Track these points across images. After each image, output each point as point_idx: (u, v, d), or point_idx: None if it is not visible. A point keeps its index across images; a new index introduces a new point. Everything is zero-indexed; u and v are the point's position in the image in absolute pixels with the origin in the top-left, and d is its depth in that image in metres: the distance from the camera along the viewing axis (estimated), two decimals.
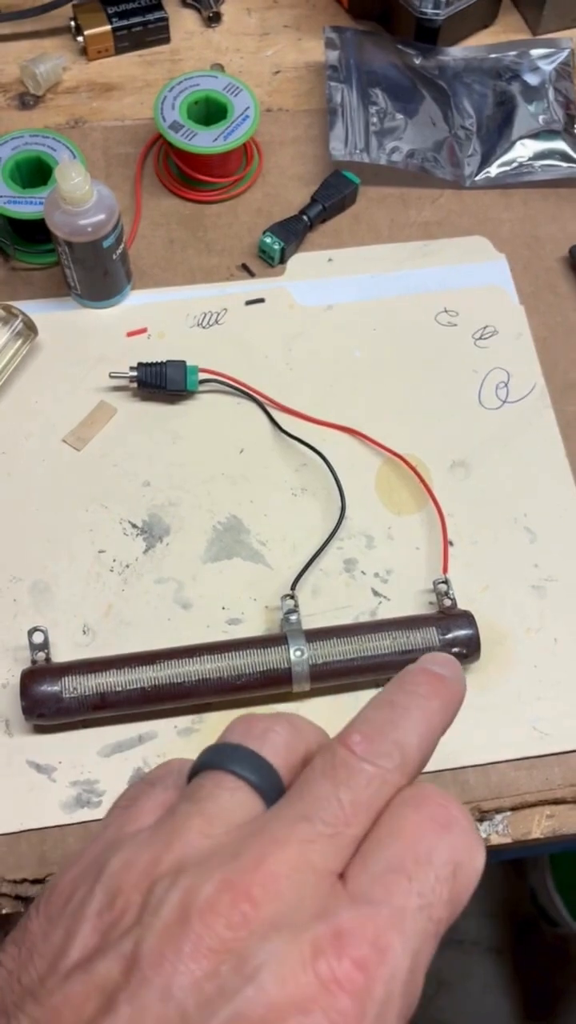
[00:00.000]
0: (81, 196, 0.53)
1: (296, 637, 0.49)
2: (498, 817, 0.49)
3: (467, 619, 0.50)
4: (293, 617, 0.51)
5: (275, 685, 0.49)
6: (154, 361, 0.57)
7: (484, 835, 0.49)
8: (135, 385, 0.57)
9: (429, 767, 0.50)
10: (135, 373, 0.57)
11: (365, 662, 0.49)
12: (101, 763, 0.49)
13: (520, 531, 0.55)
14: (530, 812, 0.49)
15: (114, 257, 0.57)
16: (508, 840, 0.49)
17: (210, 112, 0.64)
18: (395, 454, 0.57)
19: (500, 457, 0.57)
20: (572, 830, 0.49)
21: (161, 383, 0.57)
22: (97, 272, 0.58)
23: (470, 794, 0.49)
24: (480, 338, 0.61)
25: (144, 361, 0.57)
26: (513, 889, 1.21)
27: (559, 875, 1.11)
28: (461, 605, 0.52)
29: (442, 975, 1.24)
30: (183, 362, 0.58)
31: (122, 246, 0.58)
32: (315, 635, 0.49)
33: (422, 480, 0.56)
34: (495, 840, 0.49)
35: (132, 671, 0.48)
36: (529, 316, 0.62)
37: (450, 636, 0.50)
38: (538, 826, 0.49)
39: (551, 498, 0.56)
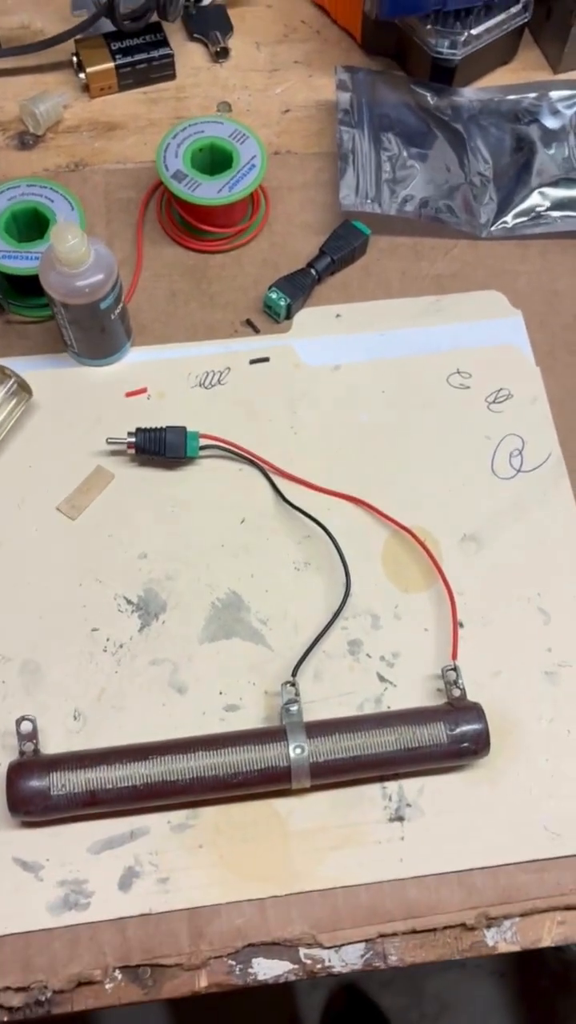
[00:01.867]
0: (78, 258, 0.50)
1: (296, 732, 0.47)
2: (506, 923, 0.47)
3: (476, 713, 0.48)
4: (293, 708, 0.48)
5: (274, 782, 0.47)
6: (153, 427, 0.55)
7: (491, 943, 0.46)
8: (133, 451, 0.55)
9: (435, 870, 0.48)
10: (133, 439, 0.55)
11: (369, 759, 0.47)
12: (90, 861, 0.46)
13: (533, 612, 0.53)
14: (540, 918, 0.47)
15: (112, 317, 0.55)
16: (516, 948, 0.47)
17: (215, 160, 0.61)
18: (402, 527, 0.54)
19: (513, 531, 0.55)
20: None
21: (160, 450, 0.55)
22: (94, 331, 0.55)
23: (477, 898, 0.47)
24: (494, 402, 0.59)
25: (143, 426, 0.55)
26: None
27: None
28: (470, 691, 0.50)
29: (445, 997, 1.22)
30: (183, 428, 0.55)
31: (120, 305, 0.55)
32: (316, 729, 0.47)
33: (431, 555, 0.53)
34: (503, 948, 0.46)
35: (124, 767, 0.46)
36: (545, 377, 0.60)
37: (458, 732, 0.47)
38: (549, 933, 0.47)
39: (567, 576, 0.54)
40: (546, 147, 0.66)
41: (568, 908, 0.47)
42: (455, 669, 0.50)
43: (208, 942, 0.45)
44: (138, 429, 0.55)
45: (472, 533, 0.55)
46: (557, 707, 0.51)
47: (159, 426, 0.55)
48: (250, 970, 0.45)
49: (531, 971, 1.22)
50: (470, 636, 0.52)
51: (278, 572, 0.54)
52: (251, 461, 0.56)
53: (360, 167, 0.64)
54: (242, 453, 0.56)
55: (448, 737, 0.47)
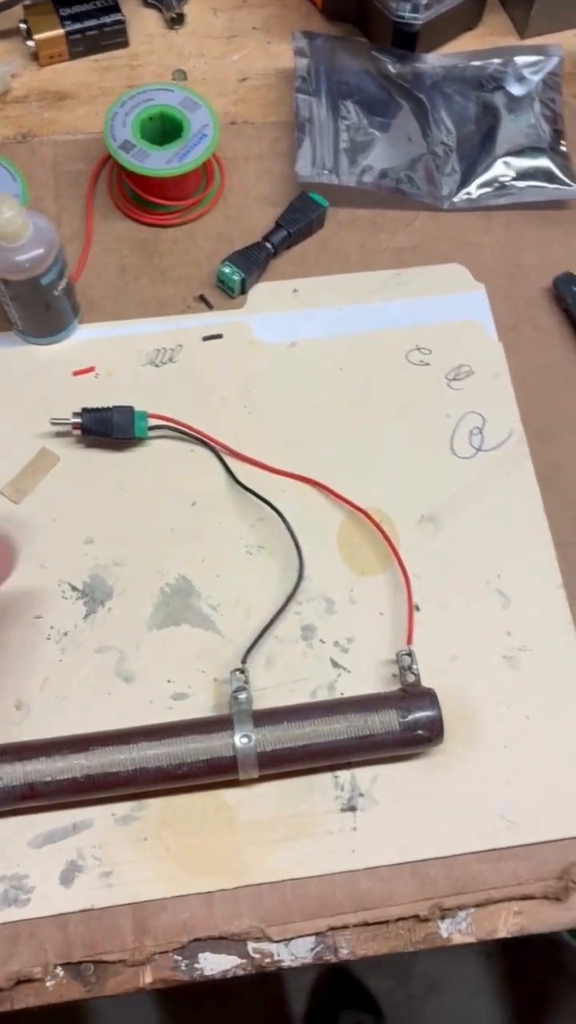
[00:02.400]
0: (14, 231, 0.48)
1: (243, 721, 0.45)
2: (461, 914, 0.46)
3: (430, 699, 0.46)
4: (242, 696, 0.47)
5: (220, 773, 0.45)
6: (99, 406, 0.53)
7: (446, 934, 0.45)
8: (79, 432, 0.53)
9: (388, 861, 0.46)
10: (78, 420, 0.53)
11: (318, 748, 0.45)
12: (31, 855, 0.45)
13: (492, 594, 0.51)
14: (496, 909, 0.46)
15: (56, 292, 0.53)
16: (471, 939, 0.45)
17: (166, 129, 0.59)
18: (358, 508, 0.53)
19: (472, 512, 0.53)
20: (542, 928, 0.46)
21: (107, 430, 0.53)
22: (38, 308, 0.53)
23: (431, 889, 0.45)
24: (454, 379, 0.57)
25: (89, 407, 0.53)
26: None
27: None
28: (427, 677, 0.48)
29: (433, 978, 1.22)
30: (130, 407, 0.53)
31: (64, 280, 0.53)
32: (264, 717, 0.46)
33: (386, 538, 0.52)
34: (457, 940, 0.45)
35: (64, 759, 0.44)
36: (508, 353, 0.58)
37: (411, 719, 0.46)
38: (505, 924, 0.46)
39: (527, 558, 0.52)
40: (511, 115, 0.64)
41: (525, 898, 0.46)
42: (410, 654, 0.48)
43: (153, 937, 0.44)
44: (84, 409, 0.53)
45: (430, 514, 0.53)
46: (516, 692, 0.49)
47: (106, 406, 0.53)
48: (196, 965, 0.44)
49: (519, 952, 1.22)
50: (426, 620, 0.51)
51: (230, 556, 0.52)
52: (202, 441, 0.54)
53: (317, 136, 0.61)
54: (193, 433, 0.54)
55: (400, 724, 0.46)
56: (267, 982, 1.17)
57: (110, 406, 0.53)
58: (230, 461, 0.54)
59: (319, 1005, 1.18)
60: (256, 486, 0.53)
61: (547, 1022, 1.21)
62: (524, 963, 1.22)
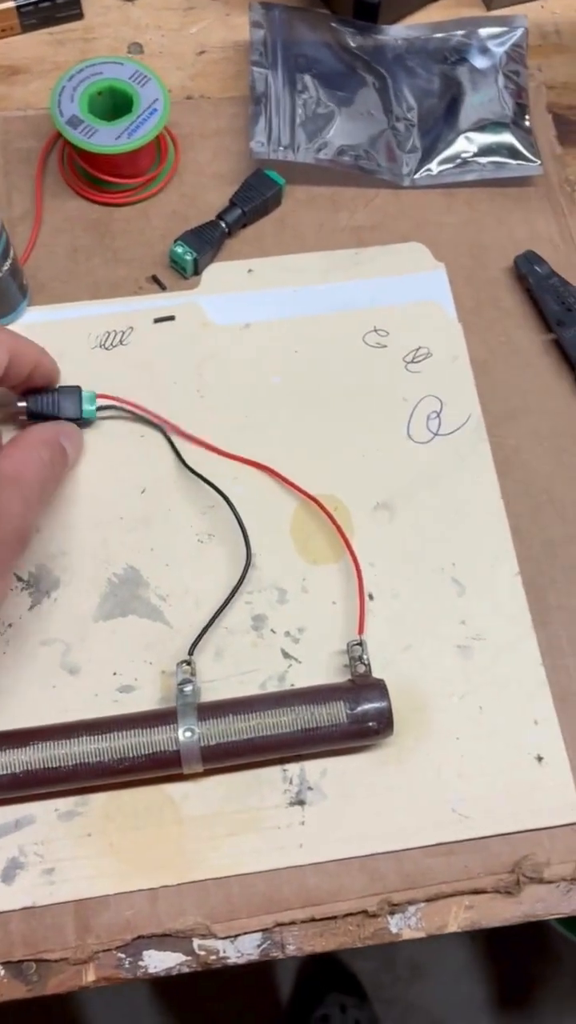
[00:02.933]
0: None
1: (187, 714, 0.44)
2: (411, 909, 0.45)
3: (379, 690, 0.45)
4: (187, 688, 0.45)
5: (164, 767, 0.44)
6: (45, 388, 0.52)
7: (395, 930, 0.44)
8: (24, 417, 0.51)
9: (336, 855, 0.45)
10: (24, 403, 0.51)
11: (264, 741, 0.44)
12: None
13: (447, 583, 0.50)
14: (446, 903, 0.45)
15: (0, 274, 0.51)
16: (422, 934, 0.45)
17: (116, 104, 0.57)
18: (309, 496, 0.51)
19: (428, 498, 0.52)
20: (494, 922, 0.45)
21: (54, 412, 0.51)
22: None
23: (380, 884, 0.44)
24: (412, 361, 0.55)
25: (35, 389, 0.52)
26: None
27: None
28: (379, 667, 0.47)
29: (416, 960, 1.22)
30: (77, 388, 0.52)
31: (9, 261, 0.51)
32: (209, 710, 0.44)
33: (337, 526, 0.50)
34: (407, 935, 0.44)
35: (3, 754, 0.43)
36: (468, 335, 0.56)
37: (359, 710, 0.45)
38: (455, 919, 0.45)
39: (483, 545, 0.51)
40: (474, 89, 0.62)
41: (476, 892, 0.45)
42: (360, 644, 0.47)
43: (95, 935, 0.43)
44: (30, 390, 0.51)
45: (385, 501, 0.52)
46: (470, 683, 0.48)
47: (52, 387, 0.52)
48: (140, 963, 0.43)
49: (503, 933, 1.22)
50: (380, 609, 0.49)
51: (180, 545, 0.51)
52: (151, 423, 0.53)
53: (274, 112, 0.59)
54: (141, 413, 0.53)
55: (348, 716, 0.44)
56: (257, 966, 1.17)
57: (56, 387, 0.52)
58: (181, 445, 0.53)
59: (305, 988, 1.18)
60: (208, 472, 0.52)
61: (532, 1004, 1.21)
62: (509, 946, 1.23)
